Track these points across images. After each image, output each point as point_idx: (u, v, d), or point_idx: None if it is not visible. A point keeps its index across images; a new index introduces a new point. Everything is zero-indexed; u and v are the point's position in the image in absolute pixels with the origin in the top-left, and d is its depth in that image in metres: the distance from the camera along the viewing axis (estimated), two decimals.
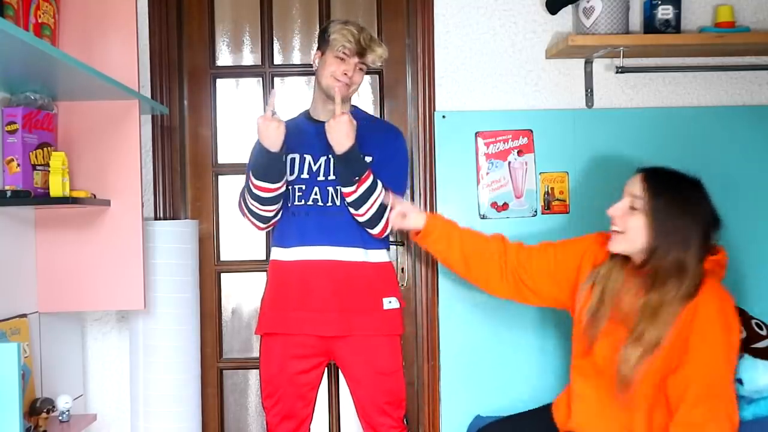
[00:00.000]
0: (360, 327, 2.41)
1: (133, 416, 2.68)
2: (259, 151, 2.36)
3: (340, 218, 2.40)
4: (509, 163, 2.84)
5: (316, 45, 2.53)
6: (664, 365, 2.01)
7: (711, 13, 2.86)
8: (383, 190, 2.37)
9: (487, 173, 2.84)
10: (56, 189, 2.13)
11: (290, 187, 2.43)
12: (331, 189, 2.42)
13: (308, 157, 2.45)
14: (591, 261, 2.25)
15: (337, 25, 2.43)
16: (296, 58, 2.98)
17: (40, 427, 2.26)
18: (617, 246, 2.11)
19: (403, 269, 2.94)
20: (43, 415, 2.27)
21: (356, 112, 2.52)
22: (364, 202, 2.35)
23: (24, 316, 2.29)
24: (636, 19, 2.85)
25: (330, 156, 2.40)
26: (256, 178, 2.36)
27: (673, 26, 2.71)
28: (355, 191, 2.34)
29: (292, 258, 2.42)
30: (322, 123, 2.42)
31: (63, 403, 2.37)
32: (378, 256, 2.47)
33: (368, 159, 2.40)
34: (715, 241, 2.08)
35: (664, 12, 2.71)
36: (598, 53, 2.75)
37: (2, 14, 1.95)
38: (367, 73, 2.94)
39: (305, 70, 2.96)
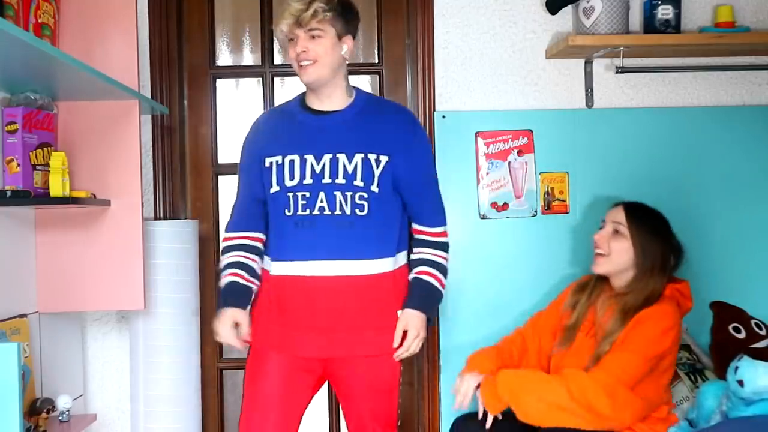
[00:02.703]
0: (369, 346, 2.18)
1: (133, 416, 2.68)
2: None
3: (349, 229, 2.14)
4: (509, 163, 2.84)
5: None
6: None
7: (711, 13, 2.86)
8: (441, 265, 2.27)
9: (487, 173, 2.84)
10: (56, 189, 2.13)
11: (292, 194, 2.16)
12: (338, 194, 2.14)
13: (309, 158, 2.16)
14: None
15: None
16: None
17: (40, 427, 2.26)
18: (601, 267, 2.34)
19: None
20: (43, 415, 2.27)
21: (359, 98, 2.25)
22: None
23: (24, 316, 2.29)
24: (636, 19, 2.85)
25: (337, 155, 2.15)
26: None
27: (673, 26, 2.71)
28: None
29: (296, 273, 2.16)
30: (322, 114, 2.21)
31: (63, 403, 2.37)
32: (390, 264, 2.21)
33: (384, 158, 2.16)
34: (677, 270, 2.36)
35: (664, 12, 2.71)
36: (598, 53, 2.75)
37: (2, 14, 1.95)
38: (366, 73, 2.97)
39: None
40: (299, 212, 2.16)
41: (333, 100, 2.21)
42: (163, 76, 2.83)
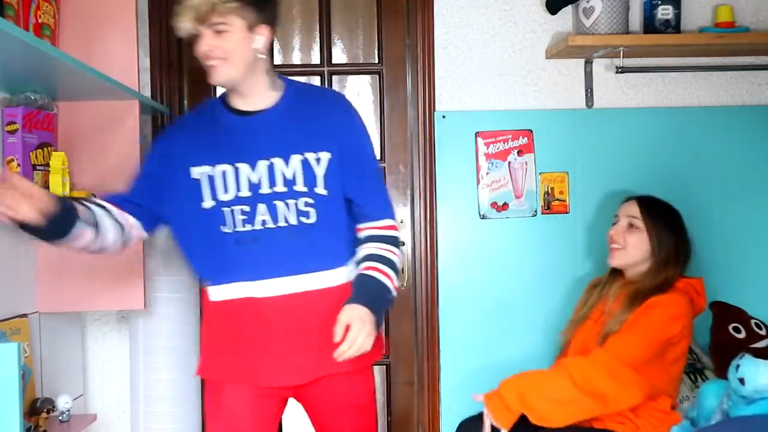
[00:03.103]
0: (338, 363, 1.87)
1: (133, 416, 2.68)
2: None
3: (297, 241, 1.92)
4: (509, 163, 2.84)
5: None
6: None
7: (711, 13, 2.86)
8: (394, 261, 1.99)
9: (487, 173, 2.84)
10: (56, 189, 2.13)
11: (229, 209, 1.92)
12: (280, 204, 1.91)
13: (243, 167, 1.92)
14: None
15: None
16: (296, 58, 2.98)
17: (40, 427, 2.26)
18: (618, 260, 2.41)
19: (403, 269, 2.94)
20: (43, 415, 2.27)
21: (288, 91, 1.99)
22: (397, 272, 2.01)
23: (24, 316, 2.29)
24: (636, 19, 2.85)
25: (272, 161, 1.91)
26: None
27: (673, 26, 2.71)
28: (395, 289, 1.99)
29: (244, 295, 1.93)
30: (249, 114, 1.96)
31: (63, 403, 2.36)
32: (349, 271, 2.00)
33: (325, 156, 1.93)
34: (688, 264, 2.41)
35: (664, 12, 2.71)
36: (598, 53, 2.75)
37: (2, 14, 1.95)
38: (366, 73, 2.97)
39: (305, 69, 2.96)
40: (239, 228, 1.92)
41: (257, 98, 1.96)
42: (163, 76, 2.83)
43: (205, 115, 2.03)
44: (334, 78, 2.96)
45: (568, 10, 2.83)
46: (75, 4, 2.37)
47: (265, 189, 1.91)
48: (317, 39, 2.96)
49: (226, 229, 1.93)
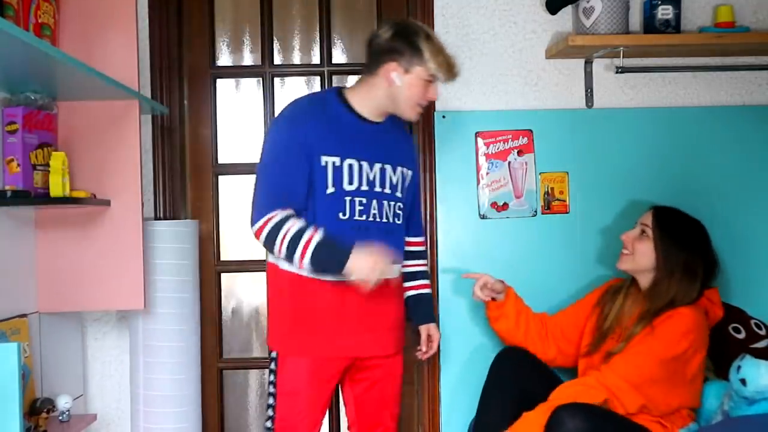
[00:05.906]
0: (402, 342, 2.41)
1: (133, 416, 2.68)
2: (332, 262, 2.14)
3: (391, 236, 2.29)
4: (509, 163, 2.84)
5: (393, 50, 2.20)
6: None
7: (711, 13, 2.86)
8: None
9: (487, 173, 2.84)
10: (56, 189, 2.13)
11: (350, 199, 2.22)
12: (386, 203, 2.28)
13: (365, 165, 2.25)
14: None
15: (429, 44, 2.18)
16: (296, 58, 2.98)
17: (40, 427, 2.26)
18: (624, 264, 2.46)
19: None
20: (43, 415, 2.27)
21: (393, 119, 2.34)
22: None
23: (24, 316, 2.29)
24: (636, 19, 2.85)
25: (384, 166, 2.28)
26: (314, 273, 2.19)
27: (673, 26, 2.71)
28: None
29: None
30: (367, 121, 2.27)
31: (63, 403, 2.37)
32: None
33: (409, 173, 2.35)
34: (710, 282, 2.45)
35: (664, 12, 2.71)
36: (598, 53, 2.75)
37: (2, 14, 1.95)
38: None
39: (305, 70, 2.96)
40: (356, 217, 2.22)
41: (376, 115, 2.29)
42: (163, 76, 2.83)
43: (325, 108, 2.26)
44: (334, 78, 2.96)
45: (568, 10, 2.83)
46: (75, 4, 2.37)
47: (377, 188, 2.26)
48: (317, 39, 2.96)
49: (343, 216, 2.21)
